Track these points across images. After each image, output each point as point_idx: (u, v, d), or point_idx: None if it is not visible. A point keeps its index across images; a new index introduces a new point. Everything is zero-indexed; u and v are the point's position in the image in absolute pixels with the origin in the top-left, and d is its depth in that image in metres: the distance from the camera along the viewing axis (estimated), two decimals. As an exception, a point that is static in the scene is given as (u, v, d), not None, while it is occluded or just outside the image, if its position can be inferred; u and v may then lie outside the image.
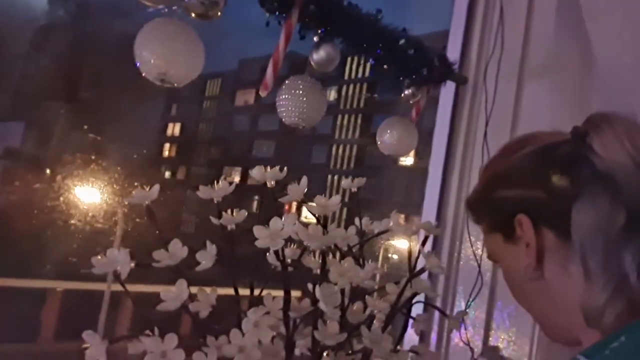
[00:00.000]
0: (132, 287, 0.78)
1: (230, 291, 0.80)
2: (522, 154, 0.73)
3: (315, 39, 1.22)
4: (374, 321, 0.86)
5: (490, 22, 1.63)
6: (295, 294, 0.80)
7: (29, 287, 9.36)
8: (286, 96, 1.22)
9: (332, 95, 28.75)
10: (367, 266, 0.88)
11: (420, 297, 0.89)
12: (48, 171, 10.85)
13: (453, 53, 1.64)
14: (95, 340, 0.71)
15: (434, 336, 1.56)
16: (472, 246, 1.50)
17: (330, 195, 0.86)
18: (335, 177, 27.73)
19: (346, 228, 0.85)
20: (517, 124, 1.53)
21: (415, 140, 1.49)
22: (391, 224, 0.92)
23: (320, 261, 0.82)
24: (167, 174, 32.86)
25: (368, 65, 1.45)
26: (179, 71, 1.00)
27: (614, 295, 0.61)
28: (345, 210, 0.97)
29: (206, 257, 0.78)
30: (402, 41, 1.35)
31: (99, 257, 0.74)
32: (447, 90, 1.63)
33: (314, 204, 0.85)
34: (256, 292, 0.82)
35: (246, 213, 0.83)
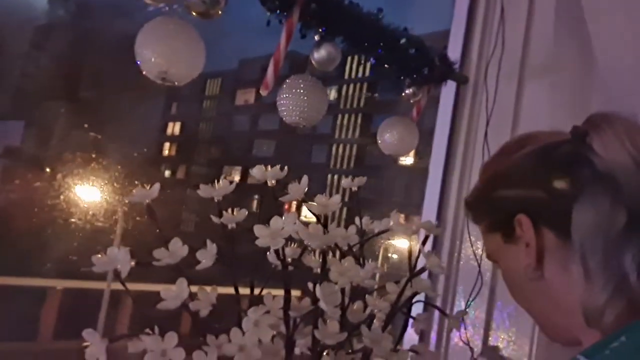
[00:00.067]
0: (133, 286, 0.78)
1: (230, 290, 0.80)
2: (522, 153, 0.73)
3: (316, 38, 1.22)
4: (374, 320, 0.86)
5: (491, 22, 1.63)
6: (295, 293, 0.80)
7: (29, 286, 9.36)
8: (287, 95, 1.22)
9: (332, 94, 28.75)
10: (367, 265, 0.88)
11: (421, 296, 0.88)
12: (48, 170, 10.86)
13: (454, 53, 1.63)
14: (95, 339, 0.70)
15: (433, 336, 1.56)
16: (472, 246, 1.50)
17: (330, 195, 0.86)
18: (335, 177, 27.74)
19: (346, 227, 0.85)
20: (517, 123, 1.53)
21: (416, 139, 1.49)
22: (391, 223, 0.92)
23: (320, 260, 0.82)
24: (167, 173, 32.90)
25: (368, 65, 1.45)
26: (180, 70, 1.00)
27: (614, 295, 0.61)
28: (345, 209, 0.97)
29: (206, 256, 0.78)
30: (403, 40, 1.35)
31: (99, 255, 0.74)
32: (448, 90, 1.63)
33: (314, 203, 0.85)
34: (256, 291, 0.82)
35: (246, 212, 0.83)
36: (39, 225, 10.20)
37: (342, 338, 0.77)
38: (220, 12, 1.02)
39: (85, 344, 0.71)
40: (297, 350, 0.82)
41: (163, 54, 0.98)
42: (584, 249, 0.63)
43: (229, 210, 0.82)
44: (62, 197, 9.54)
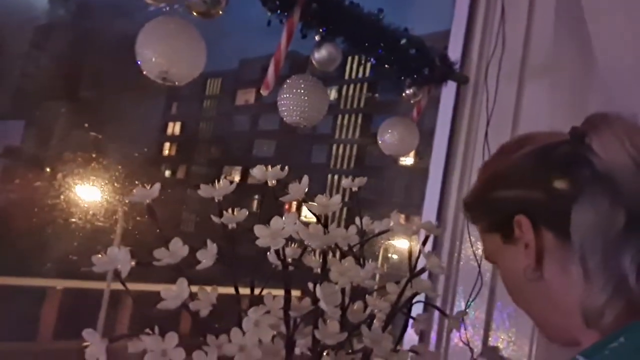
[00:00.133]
0: (133, 286, 0.78)
1: (230, 290, 0.80)
2: (521, 154, 0.73)
3: (316, 38, 1.22)
4: (374, 321, 0.86)
5: (492, 22, 1.63)
6: (295, 293, 0.80)
7: (29, 286, 9.36)
8: (288, 95, 1.22)
9: (332, 94, 28.75)
10: (367, 266, 0.88)
11: (421, 297, 0.89)
12: (48, 169, 10.86)
13: (454, 53, 1.64)
14: (95, 339, 0.70)
15: (433, 336, 1.56)
16: (472, 246, 1.50)
17: (331, 195, 0.86)
18: (336, 177, 27.74)
19: (346, 228, 0.85)
20: (518, 123, 1.53)
21: (416, 140, 1.49)
22: (392, 223, 0.92)
23: (320, 260, 0.82)
24: (168, 173, 32.89)
25: (368, 65, 1.45)
26: (181, 69, 1.00)
27: (613, 296, 0.61)
28: (345, 209, 0.97)
29: (207, 256, 0.78)
30: (403, 41, 1.35)
31: (100, 255, 0.74)
32: (448, 90, 1.64)
33: (314, 204, 0.85)
34: (257, 291, 0.82)
35: (247, 212, 0.83)
36: (39, 225, 10.19)
37: (342, 338, 0.77)
38: (221, 12, 1.02)
39: (85, 344, 0.71)
40: (297, 351, 0.82)
41: (164, 53, 0.98)
42: (583, 249, 0.63)
43: (230, 210, 0.82)
44: (62, 196, 9.54)
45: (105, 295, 8.38)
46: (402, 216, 0.92)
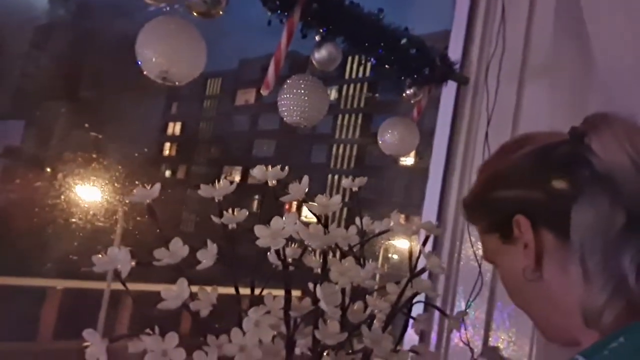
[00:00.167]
0: (133, 286, 0.78)
1: (231, 290, 0.80)
2: (521, 154, 0.73)
3: (317, 38, 1.22)
4: (375, 321, 0.86)
5: (492, 22, 1.63)
6: (295, 293, 0.80)
7: (29, 286, 9.35)
8: (288, 95, 1.22)
9: (332, 94, 28.76)
10: (367, 266, 0.88)
11: (421, 297, 0.89)
12: (49, 169, 10.87)
13: (454, 53, 1.64)
14: (96, 339, 0.70)
15: (434, 336, 1.56)
16: (472, 246, 1.50)
17: (331, 195, 0.86)
18: (336, 177, 27.75)
19: (347, 228, 0.85)
20: (518, 124, 1.53)
21: (417, 140, 1.49)
22: (392, 223, 0.92)
23: (321, 260, 0.82)
24: (168, 173, 32.91)
25: (369, 65, 1.45)
26: (181, 69, 1.00)
27: (613, 296, 0.61)
28: (345, 209, 0.97)
29: (207, 256, 0.78)
30: (403, 41, 1.35)
31: (100, 255, 0.74)
32: (449, 90, 1.64)
33: (314, 204, 0.85)
34: (257, 291, 0.82)
35: (247, 212, 0.83)
36: (39, 225, 10.19)
37: (342, 338, 0.77)
38: (221, 12, 1.02)
39: (85, 344, 0.71)
40: (297, 351, 0.82)
41: (164, 53, 0.98)
42: (583, 249, 0.63)
43: (230, 210, 0.82)
44: (62, 196, 9.55)
45: (106, 296, 8.38)
46: (402, 216, 0.92)
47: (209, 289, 0.79)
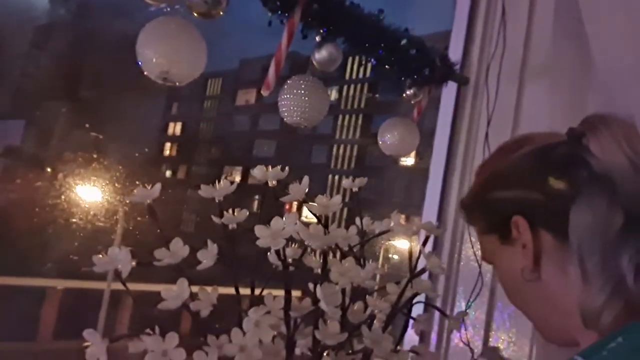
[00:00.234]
0: (133, 286, 0.78)
1: (231, 290, 0.80)
2: (519, 154, 0.73)
3: (317, 38, 1.22)
4: (375, 321, 0.86)
5: (492, 23, 1.63)
6: (296, 293, 0.80)
7: (29, 286, 9.36)
8: (288, 96, 1.22)
9: (333, 95, 28.77)
10: (367, 266, 0.88)
11: (421, 297, 0.89)
12: (49, 169, 10.87)
13: (455, 53, 1.64)
14: (96, 339, 0.70)
15: (434, 336, 1.56)
16: (472, 247, 1.50)
17: (331, 195, 0.86)
18: (336, 177, 27.75)
19: (347, 228, 0.85)
20: (518, 124, 1.53)
21: (417, 140, 1.49)
22: (392, 224, 0.92)
23: (321, 261, 0.82)
24: (168, 173, 32.93)
25: (369, 66, 1.45)
26: (181, 70, 1.00)
27: (611, 296, 0.61)
28: (346, 210, 0.97)
29: (207, 256, 0.78)
30: (404, 41, 1.35)
31: (100, 255, 0.74)
32: (449, 91, 1.64)
33: (315, 204, 0.85)
34: (257, 291, 0.82)
35: (247, 212, 0.83)
36: (39, 225, 10.19)
37: (342, 338, 0.77)
38: (221, 13, 1.02)
39: (85, 344, 0.71)
40: (297, 351, 0.82)
41: (165, 54, 0.98)
42: (581, 250, 0.63)
43: (230, 210, 0.82)
44: (63, 196, 9.55)
45: (106, 296, 8.38)
46: (403, 216, 0.92)
47: (209, 289, 0.79)
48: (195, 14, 1.01)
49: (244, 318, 0.75)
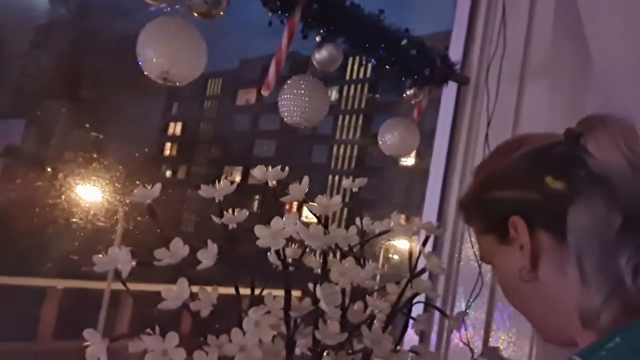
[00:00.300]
0: (133, 286, 0.78)
1: (231, 290, 0.80)
2: (517, 155, 0.73)
3: (317, 38, 1.22)
4: (375, 321, 0.86)
5: (492, 23, 1.63)
6: (296, 293, 0.80)
7: (30, 285, 9.35)
8: (288, 96, 1.22)
9: (333, 95, 28.77)
10: (367, 266, 0.88)
11: (421, 297, 0.89)
12: (49, 169, 10.86)
13: (455, 53, 1.64)
14: (96, 339, 0.70)
15: (434, 336, 1.56)
16: (472, 247, 1.50)
17: (331, 196, 0.86)
18: (336, 177, 27.75)
19: (347, 228, 0.85)
20: (518, 124, 1.53)
21: (417, 140, 1.49)
22: (392, 224, 0.92)
23: (321, 261, 0.82)
24: (168, 173, 32.94)
25: (369, 66, 1.45)
26: (182, 70, 1.00)
27: (610, 297, 0.61)
28: (346, 210, 0.97)
29: (207, 256, 0.78)
30: (404, 41, 1.35)
31: (100, 255, 0.74)
32: (449, 91, 1.64)
33: (315, 204, 0.85)
34: (257, 291, 0.82)
35: (247, 212, 0.83)
36: (39, 224, 10.19)
37: (342, 338, 0.77)
38: (222, 13, 1.02)
39: (85, 343, 0.71)
40: (297, 351, 0.82)
41: (165, 53, 0.98)
42: (579, 251, 0.63)
43: (230, 210, 0.82)
44: (63, 196, 9.55)
45: (106, 295, 8.37)
46: (403, 217, 0.92)
47: (209, 289, 0.79)
48: (196, 14, 1.01)
49: (244, 318, 0.75)
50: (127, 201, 7.33)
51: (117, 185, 9.47)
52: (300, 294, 0.81)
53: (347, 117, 29.76)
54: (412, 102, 1.50)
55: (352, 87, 29.84)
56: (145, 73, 1.00)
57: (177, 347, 0.70)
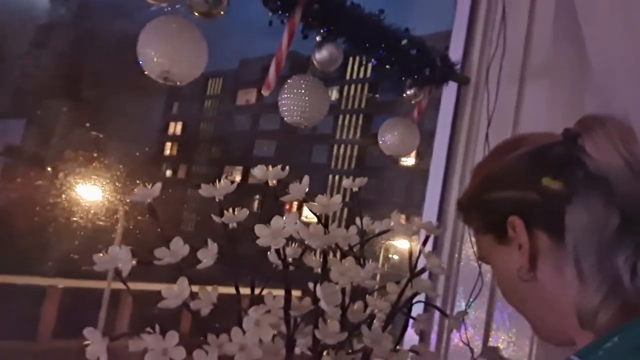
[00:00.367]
0: (133, 285, 0.79)
1: (231, 290, 0.80)
2: (515, 155, 0.73)
3: (317, 38, 1.22)
4: (375, 320, 0.86)
5: (493, 23, 1.63)
6: (296, 293, 0.80)
7: (30, 284, 9.35)
8: (288, 95, 1.22)
9: (333, 95, 28.77)
10: (367, 266, 0.88)
11: (421, 297, 0.89)
12: (49, 168, 10.87)
13: (455, 53, 1.64)
14: (96, 338, 0.71)
15: (434, 336, 1.56)
16: (472, 247, 1.49)
17: (331, 195, 0.86)
18: (336, 177, 27.75)
19: (347, 228, 0.85)
20: (518, 124, 1.53)
21: (417, 140, 1.49)
22: (392, 224, 0.92)
23: (321, 260, 0.82)
24: (169, 173, 32.94)
25: (370, 66, 1.45)
26: (182, 69, 1.00)
27: (607, 296, 0.61)
28: (346, 210, 0.97)
29: (207, 256, 0.78)
30: (404, 41, 1.35)
31: (101, 254, 0.75)
32: (449, 91, 1.64)
33: (315, 204, 0.85)
34: (257, 290, 0.82)
35: (247, 212, 0.83)
36: (40, 224, 10.20)
37: (342, 338, 0.77)
38: (222, 12, 1.02)
39: (86, 342, 0.71)
40: (297, 350, 0.82)
41: (165, 53, 0.98)
42: (577, 251, 0.63)
43: (230, 209, 0.82)
44: (63, 195, 9.56)
45: (106, 295, 8.38)
46: (403, 216, 0.92)
47: (209, 288, 0.79)
48: (196, 14, 1.01)
49: (244, 317, 0.75)
50: (128, 200, 7.33)
51: (117, 184, 9.48)
52: (300, 293, 0.81)
53: (347, 117, 29.76)
54: (412, 102, 1.50)
55: (352, 87, 29.84)
56: (145, 73, 1.00)
57: (177, 346, 0.70)
